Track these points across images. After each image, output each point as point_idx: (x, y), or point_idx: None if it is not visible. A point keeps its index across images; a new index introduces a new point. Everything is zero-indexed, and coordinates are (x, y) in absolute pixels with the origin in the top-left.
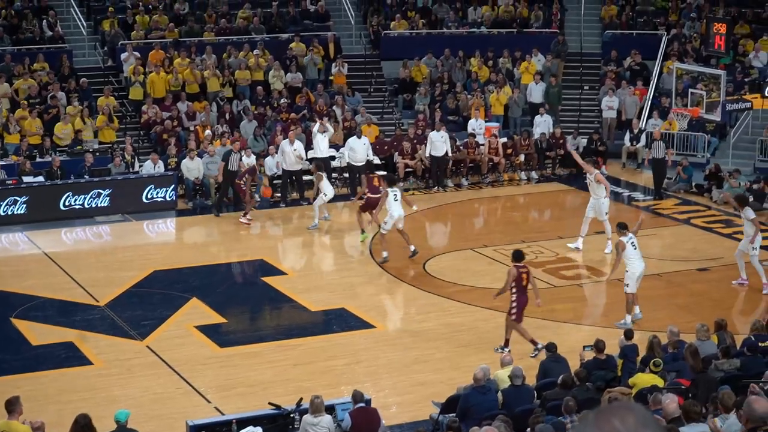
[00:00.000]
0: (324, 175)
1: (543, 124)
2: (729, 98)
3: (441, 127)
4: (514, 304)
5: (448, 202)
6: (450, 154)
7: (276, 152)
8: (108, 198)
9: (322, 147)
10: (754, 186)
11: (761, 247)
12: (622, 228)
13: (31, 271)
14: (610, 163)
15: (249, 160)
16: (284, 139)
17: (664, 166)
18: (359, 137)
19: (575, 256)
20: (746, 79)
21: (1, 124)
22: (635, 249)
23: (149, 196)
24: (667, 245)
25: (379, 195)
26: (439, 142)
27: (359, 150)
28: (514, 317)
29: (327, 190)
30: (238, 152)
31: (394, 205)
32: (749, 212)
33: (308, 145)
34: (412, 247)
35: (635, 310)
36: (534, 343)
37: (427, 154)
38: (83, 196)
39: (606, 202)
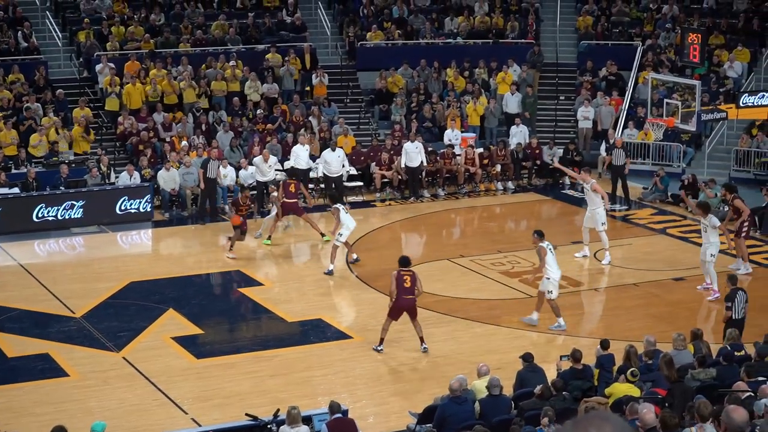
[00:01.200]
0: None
1: (519, 135)
2: (704, 108)
3: (416, 138)
4: (391, 304)
5: (424, 213)
6: (425, 165)
7: (249, 165)
8: (81, 209)
9: (302, 159)
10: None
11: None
12: (539, 235)
13: (7, 282)
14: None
15: (226, 171)
16: (261, 153)
17: (623, 173)
18: (333, 149)
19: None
20: (721, 89)
21: None
22: (554, 256)
23: (123, 208)
24: (644, 255)
25: (294, 200)
26: (414, 153)
27: (333, 162)
28: (390, 314)
29: (349, 223)
30: (216, 160)
31: (348, 218)
32: (714, 220)
33: (284, 156)
34: (355, 255)
35: (534, 315)
36: (381, 341)
37: (403, 165)
38: (56, 208)
39: (602, 212)
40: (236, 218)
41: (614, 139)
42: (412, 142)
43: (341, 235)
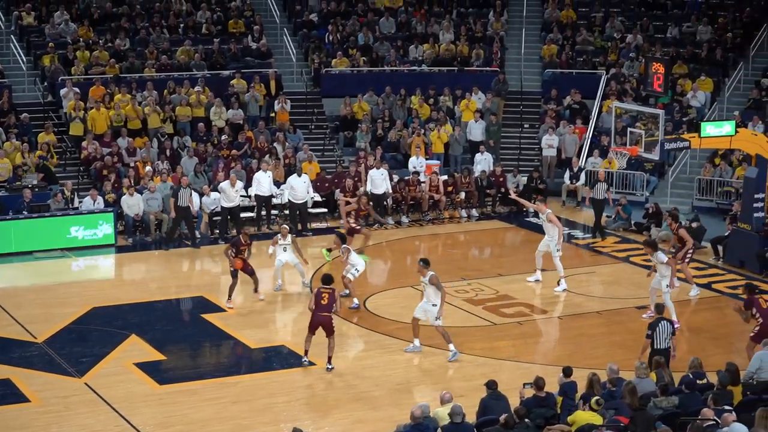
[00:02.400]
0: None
1: (483, 162)
2: (667, 137)
3: (381, 165)
4: (311, 320)
5: (388, 240)
6: (390, 192)
7: (212, 191)
8: (43, 234)
9: (264, 185)
10: (693, 224)
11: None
12: (425, 264)
13: None
14: (550, 201)
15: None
16: (226, 178)
17: (603, 206)
18: (299, 175)
19: (515, 294)
20: (684, 119)
21: None
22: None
23: (87, 233)
24: (607, 283)
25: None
26: (379, 180)
27: (299, 188)
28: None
29: (357, 263)
30: (186, 187)
31: (358, 259)
32: (661, 256)
33: (248, 182)
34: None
35: (416, 342)
36: (305, 353)
37: (369, 192)
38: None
39: (557, 239)
40: (238, 262)
41: (597, 171)
42: (378, 169)
43: (357, 270)
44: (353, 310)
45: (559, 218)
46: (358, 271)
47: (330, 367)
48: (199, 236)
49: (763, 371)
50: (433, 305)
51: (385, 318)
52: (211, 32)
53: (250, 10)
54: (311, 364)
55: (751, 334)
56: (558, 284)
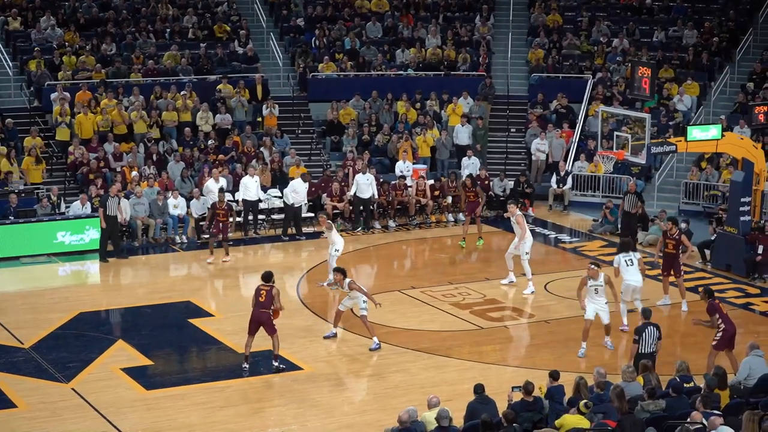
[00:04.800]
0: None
1: (471, 167)
2: (654, 141)
3: (367, 170)
4: (250, 317)
5: (375, 244)
6: (376, 197)
7: (200, 195)
8: (30, 239)
9: (251, 190)
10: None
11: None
12: (343, 273)
13: None
14: (537, 206)
15: (175, 202)
16: (210, 178)
17: (635, 218)
18: (305, 180)
19: (501, 298)
20: (671, 123)
21: None
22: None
23: (73, 238)
24: None
25: None
26: (365, 185)
27: (302, 192)
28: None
29: (337, 241)
30: (115, 196)
31: (339, 238)
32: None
33: (234, 187)
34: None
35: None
36: (245, 359)
37: (352, 196)
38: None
39: (527, 243)
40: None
41: (628, 183)
42: (364, 173)
43: (337, 251)
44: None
45: (545, 223)
46: (338, 250)
47: (277, 365)
48: (186, 241)
49: (752, 378)
50: (363, 301)
51: (372, 322)
52: (198, 37)
53: (237, 14)
54: (250, 374)
55: (714, 342)
56: (527, 287)
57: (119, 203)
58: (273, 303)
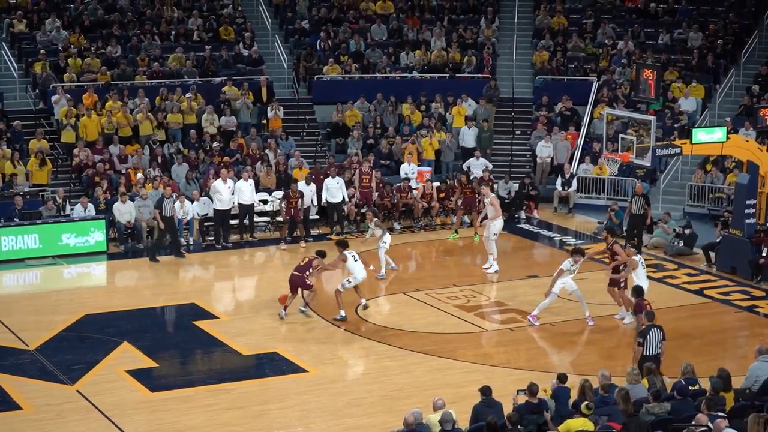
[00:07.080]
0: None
1: (479, 167)
2: (659, 144)
3: (335, 173)
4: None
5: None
6: (347, 200)
7: (200, 196)
8: (37, 241)
9: (245, 194)
10: (685, 231)
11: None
12: (343, 245)
13: None
14: (542, 208)
15: (183, 206)
16: (216, 179)
17: (642, 221)
18: (333, 176)
19: (507, 300)
20: (676, 125)
21: None
22: (356, 261)
23: (78, 240)
24: (598, 289)
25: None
26: (335, 189)
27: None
28: None
29: (357, 273)
30: (170, 197)
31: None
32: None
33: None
34: (364, 301)
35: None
36: (284, 308)
37: (324, 201)
38: (11, 239)
39: (498, 224)
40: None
41: (635, 185)
42: (333, 177)
43: (348, 282)
44: (339, 321)
45: (550, 225)
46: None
47: (303, 310)
48: (192, 243)
49: (758, 384)
50: (347, 280)
51: (378, 324)
52: (203, 39)
53: (242, 17)
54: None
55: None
56: (489, 267)
57: (174, 203)
58: (308, 270)
